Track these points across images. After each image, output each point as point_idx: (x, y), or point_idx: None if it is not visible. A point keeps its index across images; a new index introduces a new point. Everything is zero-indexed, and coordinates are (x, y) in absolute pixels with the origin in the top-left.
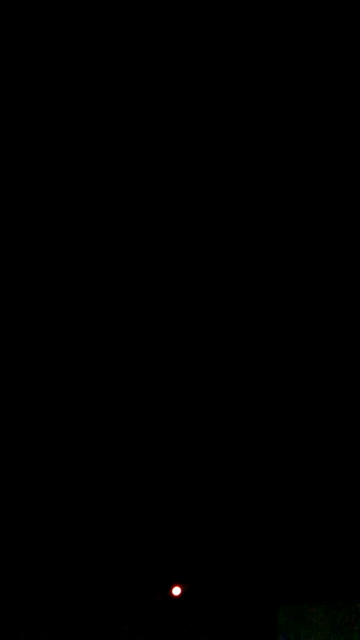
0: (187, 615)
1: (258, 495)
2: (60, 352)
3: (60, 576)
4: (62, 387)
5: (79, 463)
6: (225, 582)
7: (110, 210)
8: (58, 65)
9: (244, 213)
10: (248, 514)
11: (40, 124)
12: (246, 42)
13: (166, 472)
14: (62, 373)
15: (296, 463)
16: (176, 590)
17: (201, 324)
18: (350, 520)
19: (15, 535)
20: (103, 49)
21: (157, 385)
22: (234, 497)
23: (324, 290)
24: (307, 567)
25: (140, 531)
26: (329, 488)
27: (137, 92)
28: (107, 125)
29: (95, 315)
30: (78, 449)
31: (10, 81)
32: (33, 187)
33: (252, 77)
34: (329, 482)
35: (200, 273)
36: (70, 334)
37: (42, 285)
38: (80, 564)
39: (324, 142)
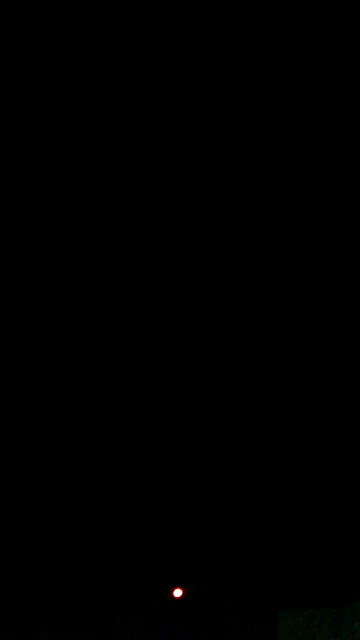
0: (188, 618)
1: (259, 500)
2: (60, 353)
3: (62, 578)
4: (62, 388)
5: (81, 466)
6: (227, 586)
7: (110, 210)
8: (58, 64)
9: (243, 213)
10: (249, 519)
11: (40, 124)
12: (246, 43)
13: (169, 476)
14: (62, 374)
15: (296, 470)
16: (177, 593)
17: (201, 324)
18: (348, 525)
19: (17, 538)
20: (103, 49)
21: (160, 388)
22: (235, 503)
23: (324, 290)
24: (307, 572)
25: (142, 535)
26: (328, 493)
27: (136, 92)
28: (107, 125)
29: (95, 315)
30: (80, 452)
31: (10, 81)
32: (33, 187)
33: (252, 78)
34: (329, 487)
35: (200, 273)
36: (70, 334)
37: (42, 286)
38: (82, 567)
39: (325, 143)
